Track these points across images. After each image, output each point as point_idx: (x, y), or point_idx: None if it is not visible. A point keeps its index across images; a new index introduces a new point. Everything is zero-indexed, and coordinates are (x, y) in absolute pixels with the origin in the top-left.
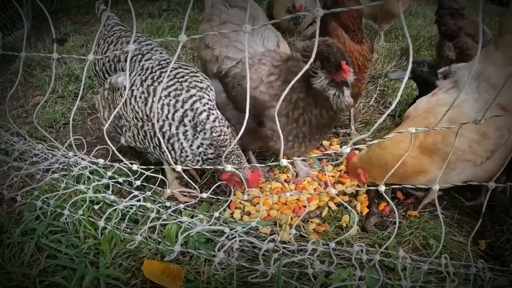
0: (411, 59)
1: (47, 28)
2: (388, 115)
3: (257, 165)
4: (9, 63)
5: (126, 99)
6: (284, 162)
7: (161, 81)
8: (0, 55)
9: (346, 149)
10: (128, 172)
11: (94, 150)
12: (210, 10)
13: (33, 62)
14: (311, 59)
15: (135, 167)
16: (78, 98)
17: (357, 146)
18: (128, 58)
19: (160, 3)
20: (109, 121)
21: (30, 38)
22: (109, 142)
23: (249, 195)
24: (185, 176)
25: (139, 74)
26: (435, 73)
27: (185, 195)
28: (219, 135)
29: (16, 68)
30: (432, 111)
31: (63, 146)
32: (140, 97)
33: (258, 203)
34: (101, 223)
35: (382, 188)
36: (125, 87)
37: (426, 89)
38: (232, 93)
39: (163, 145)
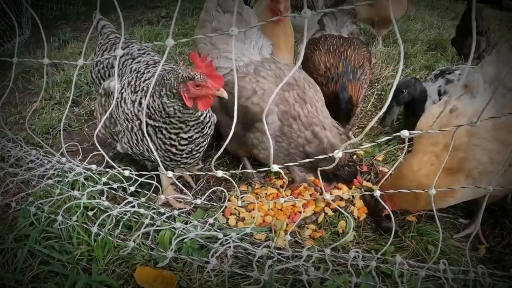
0: (401, 58)
1: (47, 35)
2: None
3: (250, 171)
4: (8, 70)
5: (117, 103)
6: (275, 167)
7: (144, 79)
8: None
9: (338, 154)
10: (122, 178)
11: (89, 157)
12: (204, 16)
13: (32, 69)
14: (299, 61)
15: (127, 173)
16: (69, 103)
17: (348, 151)
18: (116, 63)
19: (159, 10)
20: (99, 126)
21: (29, 45)
22: (100, 148)
23: (244, 201)
24: (177, 182)
25: (128, 77)
26: (417, 90)
27: (180, 201)
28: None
29: (14, 74)
30: (450, 125)
31: (59, 152)
32: (129, 99)
33: (253, 209)
34: (94, 229)
35: (377, 193)
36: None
37: (412, 108)
38: (224, 101)
39: (151, 145)
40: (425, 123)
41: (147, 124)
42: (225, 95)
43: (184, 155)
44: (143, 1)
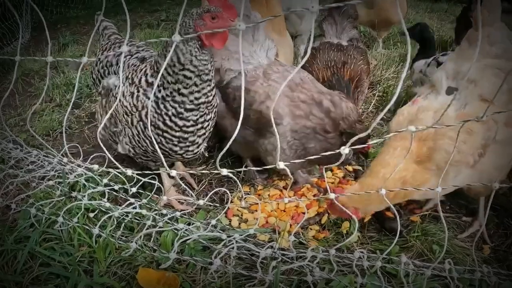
0: (409, 57)
1: (47, 39)
2: (387, 120)
3: (254, 168)
4: (8, 73)
5: (118, 100)
6: (281, 165)
7: (140, 68)
8: None
9: (345, 150)
10: (124, 179)
11: (90, 158)
12: None
13: (32, 72)
14: (306, 56)
15: (129, 172)
16: (70, 104)
17: (355, 147)
18: (122, 59)
19: (159, 13)
20: (101, 126)
21: (29, 48)
22: (103, 147)
23: (247, 202)
24: (180, 182)
25: (125, 72)
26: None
27: (182, 203)
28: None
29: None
30: (416, 120)
31: (60, 153)
32: (127, 92)
33: (256, 210)
34: (96, 231)
35: (382, 191)
36: (116, 87)
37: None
38: (234, 105)
39: (151, 134)
40: (396, 122)
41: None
42: (243, 27)
43: (190, 130)
44: (143, 5)
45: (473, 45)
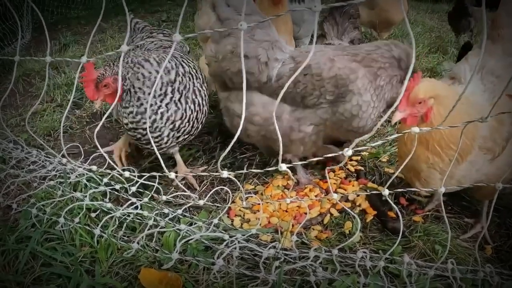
0: (413, 59)
1: (47, 39)
2: (392, 124)
3: (256, 170)
4: (9, 73)
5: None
6: (284, 167)
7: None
8: (0, 65)
9: (348, 152)
10: (123, 179)
11: (90, 158)
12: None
13: (32, 72)
14: (311, 54)
15: (127, 174)
16: (69, 104)
17: (359, 148)
18: (121, 59)
19: (160, 14)
20: (115, 101)
21: (30, 48)
22: (100, 148)
23: (248, 202)
24: (178, 182)
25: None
26: None
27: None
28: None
29: (15, 77)
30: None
31: (60, 154)
32: None
33: (258, 211)
34: (97, 231)
35: (386, 192)
36: None
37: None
38: (299, 89)
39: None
40: None
41: None
42: (244, 26)
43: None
44: (144, 5)
45: (496, 43)
